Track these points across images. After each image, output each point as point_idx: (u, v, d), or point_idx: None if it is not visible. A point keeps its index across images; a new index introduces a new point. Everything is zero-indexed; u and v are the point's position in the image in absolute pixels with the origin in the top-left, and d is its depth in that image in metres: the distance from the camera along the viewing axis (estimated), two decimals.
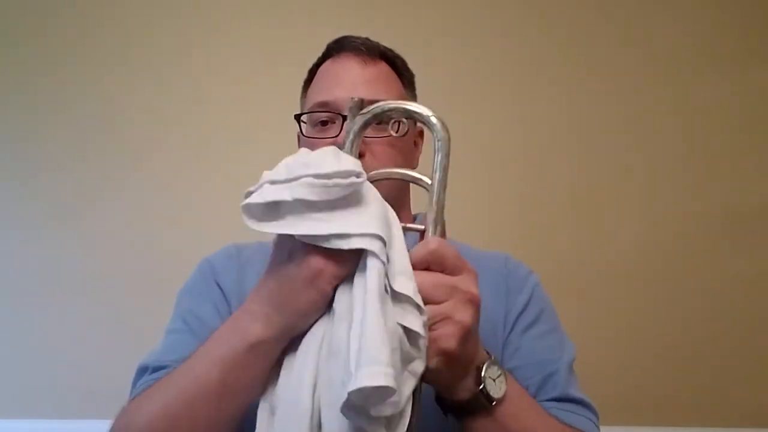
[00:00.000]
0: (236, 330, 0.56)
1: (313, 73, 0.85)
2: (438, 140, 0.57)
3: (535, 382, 0.71)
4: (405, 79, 0.85)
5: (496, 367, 0.56)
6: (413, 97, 0.86)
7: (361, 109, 0.61)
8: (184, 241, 1.46)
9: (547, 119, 1.54)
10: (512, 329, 0.75)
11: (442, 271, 0.52)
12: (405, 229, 0.56)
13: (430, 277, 0.52)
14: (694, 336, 1.46)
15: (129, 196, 1.51)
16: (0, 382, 1.46)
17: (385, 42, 0.85)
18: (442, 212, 0.56)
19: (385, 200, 0.78)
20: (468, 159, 1.30)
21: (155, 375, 0.68)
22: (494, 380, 0.55)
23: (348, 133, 0.61)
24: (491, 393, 0.55)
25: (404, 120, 0.66)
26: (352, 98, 0.61)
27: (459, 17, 1.56)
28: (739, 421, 1.43)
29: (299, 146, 0.87)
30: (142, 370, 0.72)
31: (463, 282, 0.52)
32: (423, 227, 0.56)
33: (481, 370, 0.55)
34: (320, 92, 0.80)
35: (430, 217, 0.56)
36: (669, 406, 1.44)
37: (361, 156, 0.76)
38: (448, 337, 0.51)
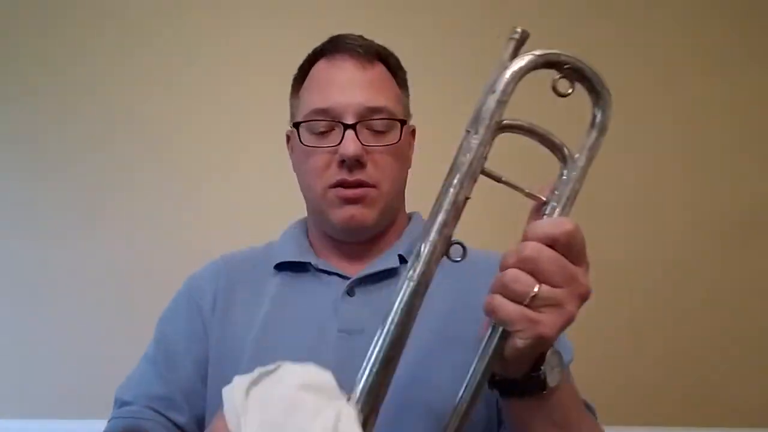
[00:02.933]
0: None
1: (305, 71, 0.81)
2: (603, 114, 0.52)
3: None
4: (399, 78, 0.82)
5: (557, 358, 0.55)
6: (406, 96, 0.84)
7: (522, 43, 0.52)
8: (187, 243, 1.47)
9: (549, 119, 1.53)
10: None
11: (565, 255, 0.49)
12: (527, 195, 0.52)
13: (555, 257, 0.48)
14: (692, 336, 1.47)
15: (132, 199, 1.51)
16: (0, 382, 1.46)
17: (377, 38, 0.83)
18: (576, 194, 0.52)
19: (385, 201, 0.77)
20: None
21: (121, 410, 0.76)
22: (553, 368, 0.54)
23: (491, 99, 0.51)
24: (548, 380, 0.54)
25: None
26: (519, 29, 0.52)
27: (449, 14, 1.56)
28: (738, 420, 1.44)
29: (292, 153, 0.84)
30: (116, 401, 0.79)
31: (583, 274, 0.50)
32: (545, 198, 0.53)
33: (545, 355, 0.53)
34: (317, 99, 0.77)
35: (565, 194, 0.52)
36: (666, 407, 1.45)
37: (362, 166, 0.74)
38: (554, 325, 0.48)
